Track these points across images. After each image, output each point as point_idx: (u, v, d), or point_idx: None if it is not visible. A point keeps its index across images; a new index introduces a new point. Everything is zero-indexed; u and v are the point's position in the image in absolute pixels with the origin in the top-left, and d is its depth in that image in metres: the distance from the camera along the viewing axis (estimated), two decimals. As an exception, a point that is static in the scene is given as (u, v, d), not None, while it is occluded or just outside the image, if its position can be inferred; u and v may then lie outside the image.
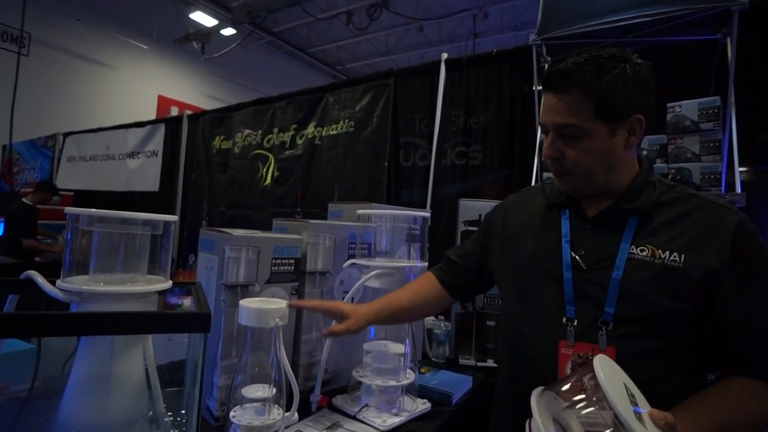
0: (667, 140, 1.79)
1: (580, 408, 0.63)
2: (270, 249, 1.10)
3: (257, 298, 0.91)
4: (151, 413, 0.77)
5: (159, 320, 0.66)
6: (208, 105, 7.44)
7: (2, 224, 4.50)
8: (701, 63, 1.91)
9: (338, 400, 1.15)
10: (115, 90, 8.07)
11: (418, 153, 2.91)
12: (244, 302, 0.85)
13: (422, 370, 1.41)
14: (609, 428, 0.59)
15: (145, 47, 8.37)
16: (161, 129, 4.85)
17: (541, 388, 0.69)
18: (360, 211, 1.34)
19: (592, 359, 0.64)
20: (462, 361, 1.67)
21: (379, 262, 1.19)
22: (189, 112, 4.75)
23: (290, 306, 0.93)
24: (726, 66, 1.75)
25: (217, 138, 4.22)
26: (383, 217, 1.24)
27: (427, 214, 1.35)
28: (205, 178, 4.27)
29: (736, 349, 0.76)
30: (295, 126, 3.60)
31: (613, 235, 0.82)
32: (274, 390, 0.86)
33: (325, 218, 1.53)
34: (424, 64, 2.96)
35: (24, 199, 4.43)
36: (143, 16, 8.19)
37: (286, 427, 0.96)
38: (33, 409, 0.74)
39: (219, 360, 1.00)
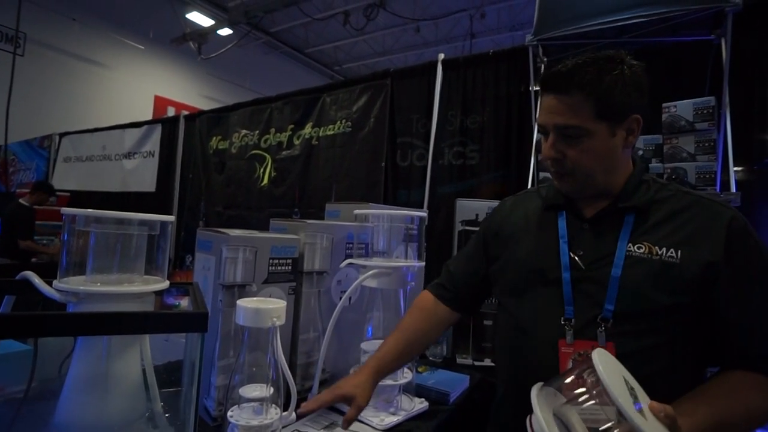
0: (662, 140, 1.80)
1: (580, 403, 0.63)
2: (267, 249, 1.10)
3: (254, 298, 0.91)
4: (148, 413, 0.77)
5: (156, 320, 0.66)
6: (205, 105, 7.43)
7: (-1, 225, 4.48)
8: (696, 63, 1.92)
9: (336, 400, 1.15)
10: (111, 90, 8.04)
11: (415, 153, 2.91)
12: (242, 302, 0.85)
13: (420, 369, 1.41)
14: (609, 422, 0.59)
15: (142, 47, 8.35)
16: (158, 129, 4.84)
17: (540, 383, 0.69)
18: (357, 211, 1.35)
19: (589, 356, 0.64)
20: (459, 360, 1.68)
21: (376, 261, 1.19)
22: (186, 112, 4.74)
23: (303, 413, 0.95)
24: (720, 66, 1.76)
25: (214, 138, 4.21)
26: (380, 217, 1.25)
27: (425, 214, 1.35)
28: (202, 179, 4.26)
29: (733, 343, 0.78)
30: (292, 126, 3.60)
31: (610, 234, 0.83)
32: (272, 390, 0.86)
33: (323, 218, 1.53)
34: (421, 64, 2.96)
35: (21, 200, 4.42)
36: (140, 16, 8.16)
37: (283, 427, 0.96)
38: (30, 411, 0.74)
39: (216, 360, 1.00)
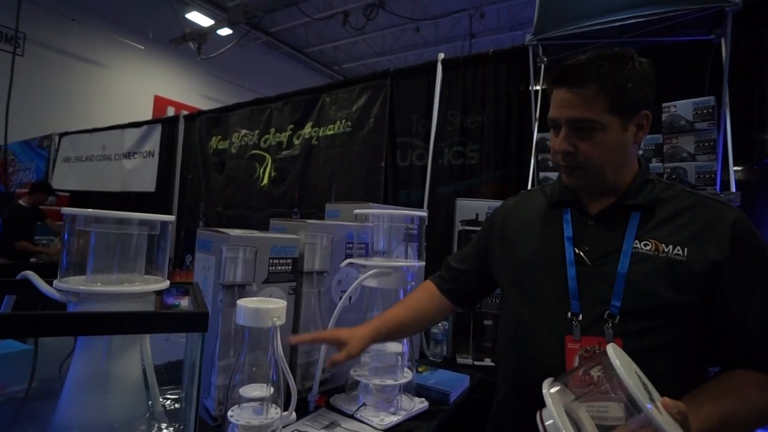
0: (662, 140, 1.80)
1: (588, 400, 0.63)
2: (267, 249, 1.10)
3: (255, 298, 0.91)
4: (148, 413, 0.77)
5: (157, 320, 0.66)
6: (204, 105, 7.43)
7: (-1, 225, 4.48)
8: (696, 63, 1.93)
9: (336, 400, 1.15)
10: (111, 90, 8.04)
11: (415, 153, 2.91)
12: (242, 302, 0.85)
13: (420, 369, 1.42)
14: (617, 420, 0.59)
15: (141, 47, 8.34)
16: (158, 129, 4.84)
17: (551, 379, 0.69)
18: (357, 211, 1.35)
19: (599, 352, 0.64)
20: (459, 360, 1.68)
21: (376, 261, 1.19)
22: (185, 112, 4.74)
23: (291, 342, 0.97)
24: (720, 66, 1.77)
25: (214, 138, 4.21)
26: (380, 216, 1.25)
27: (424, 214, 1.35)
28: (202, 179, 4.26)
29: (736, 342, 0.78)
30: (292, 126, 3.60)
31: (616, 231, 0.84)
32: (272, 389, 0.86)
33: (323, 218, 1.53)
34: (421, 64, 2.96)
35: (20, 201, 4.42)
36: (139, 16, 8.16)
37: (284, 427, 0.96)
38: (30, 410, 0.74)
39: (217, 360, 1.00)
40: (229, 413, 0.85)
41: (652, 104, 0.83)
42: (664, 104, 1.79)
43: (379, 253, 1.24)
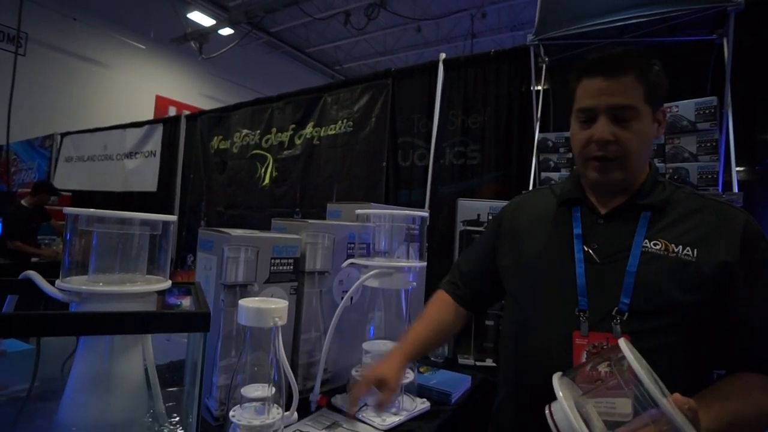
0: (664, 140, 1.79)
1: (596, 395, 0.62)
2: (269, 249, 1.10)
3: (256, 298, 0.91)
4: (150, 413, 0.77)
5: (158, 320, 0.66)
6: (206, 105, 7.43)
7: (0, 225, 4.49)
8: (698, 63, 1.92)
9: (338, 400, 1.15)
10: (112, 90, 8.05)
11: (416, 153, 2.91)
12: (243, 302, 0.85)
13: (421, 370, 1.41)
14: (626, 418, 0.59)
15: (143, 47, 8.35)
16: (159, 129, 4.84)
17: (560, 373, 0.69)
18: (359, 211, 1.35)
19: (608, 348, 0.63)
20: (461, 361, 1.67)
21: (378, 261, 1.19)
22: (187, 112, 4.74)
23: (352, 415, 1.03)
24: (722, 66, 1.76)
25: (215, 138, 4.21)
26: (382, 216, 1.25)
27: (426, 214, 1.35)
28: (204, 178, 4.26)
29: (743, 345, 0.78)
30: (293, 126, 3.60)
31: (626, 229, 0.84)
32: (274, 389, 0.86)
33: (324, 218, 1.53)
34: (422, 64, 2.96)
35: (22, 201, 4.43)
36: (140, 16, 8.17)
37: (285, 427, 0.96)
38: (32, 410, 0.74)
39: (218, 360, 1.00)
40: (231, 413, 0.85)
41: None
42: (666, 104, 1.77)
43: (381, 253, 1.24)
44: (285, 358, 0.89)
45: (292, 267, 1.15)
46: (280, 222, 1.30)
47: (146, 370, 0.76)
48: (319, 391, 1.13)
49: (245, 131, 3.96)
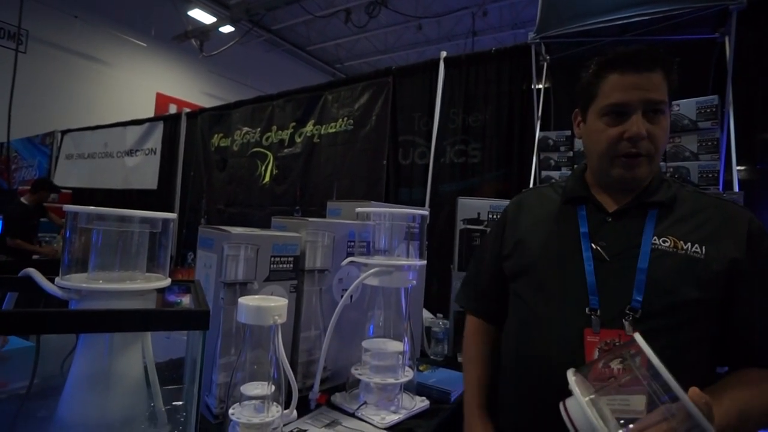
0: (665, 139, 1.79)
1: (609, 392, 0.62)
2: (269, 247, 1.10)
3: (256, 296, 0.91)
4: (150, 411, 0.77)
5: (158, 318, 0.66)
6: (206, 103, 7.42)
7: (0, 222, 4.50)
8: (699, 62, 1.91)
9: (337, 398, 1.15)
10: (113, 87, 8.04)
11: (416, 151, 2.91)
12: (243, 300, 0.85)
13: (421, 368, 1.42)
14: (639, 415, 0.59)
15: (144, 44, 8.34)
16: (160, 127, 4.84)
17: (573, 369, 0.68)
18: (359, 209, 1.34)
19: (620, 344, 0.63)
20: (460, 359, 1.67)
21: (377, 260, 1.19)
22: (187, 109, 4.75)
23: None
24: (724, 65, 1.76)
25: (216, 136, 4.21)
26: (382, 215, 1.24)
27: (426, 213, 1.35)
28: (204, 176, 4.26)
29: (749, 341, 0.79)
30: (293, 124, 3.60)
31: (635, 227, 0.84)
32: (273, 388, 0.86)
33: (324, 216, 1.53)
34: (423, 62, 2.96)
35: (22, 199, 4.43)
36: (141, 14, 8.16)
37: (285, 425, 0.97)
38: (32, 407, 0.74)
39: (218, 357, 1.00)
40: (230, 411, 0.85)
41: None
42: (667, 103, 1.78)
43: (381, 251, 1.24)
44: (284, 356, 0.89)
45: (291, 265, 1.15)
46: (280, 220, 1.30)
47: (146, 368, 0.76)
48: (319, 390, 1.13)
49: (246, 129, 3.96)
